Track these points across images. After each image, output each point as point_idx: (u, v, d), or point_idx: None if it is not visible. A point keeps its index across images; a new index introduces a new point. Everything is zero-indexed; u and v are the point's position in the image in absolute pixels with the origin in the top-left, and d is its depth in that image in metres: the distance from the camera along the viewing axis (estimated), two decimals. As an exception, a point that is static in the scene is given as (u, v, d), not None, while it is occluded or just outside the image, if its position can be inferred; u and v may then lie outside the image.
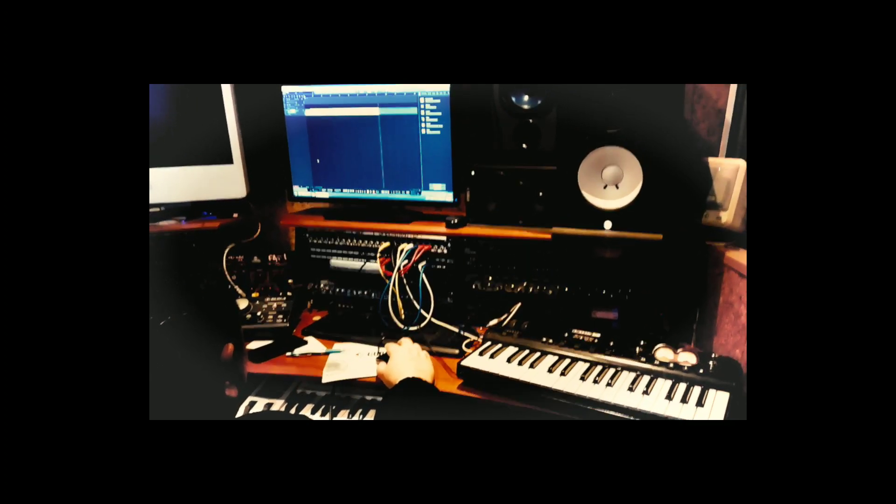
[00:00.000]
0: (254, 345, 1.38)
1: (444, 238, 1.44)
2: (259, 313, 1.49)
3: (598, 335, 1.26)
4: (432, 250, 1.44)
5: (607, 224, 1.28)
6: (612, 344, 1.21)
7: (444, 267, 1.45)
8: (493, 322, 1.38)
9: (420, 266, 1.43)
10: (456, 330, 1.41)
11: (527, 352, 1.22)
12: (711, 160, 1.29)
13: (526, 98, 1.36)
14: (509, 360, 1.19)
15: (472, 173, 1.42)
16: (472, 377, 1.16)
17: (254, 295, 1.57)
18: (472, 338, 1.36)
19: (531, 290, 1.40)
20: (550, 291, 1.38)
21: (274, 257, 1.66)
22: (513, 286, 1.41)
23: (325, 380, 1.24)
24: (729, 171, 1.26)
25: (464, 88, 1.43)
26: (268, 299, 1.55)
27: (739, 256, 1.16)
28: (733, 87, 1.37)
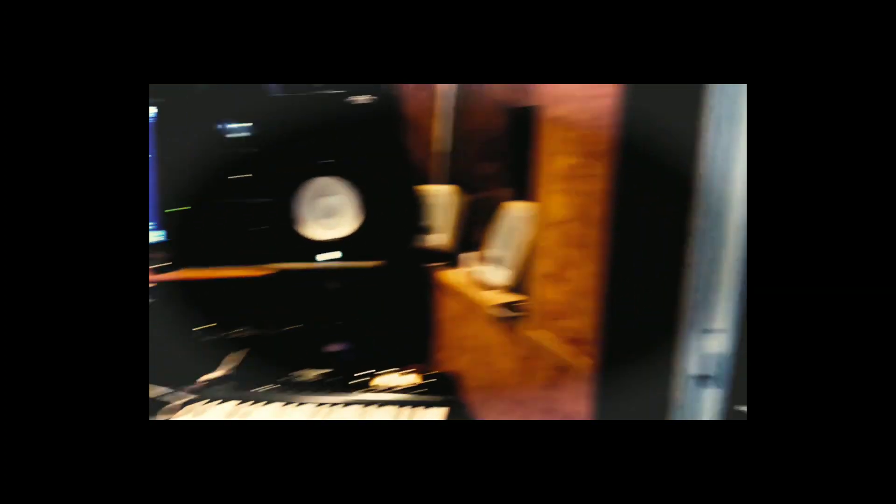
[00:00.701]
0: None
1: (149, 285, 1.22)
2: None
3: (327, 371, 1.21)
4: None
5: (329, 255, 1.25)
6: (340, 379, 1.17)
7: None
8: (210, 377, 1.21)
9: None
10: (164, 392, 1.19)
11: (249, 403, 1.10)
12: (426, 187, 1.38)
13: (237, 126, 1.26)
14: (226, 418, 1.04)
15: (181, 209, 1.25)
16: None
17: None
18: (184, 399, 1.17)
19: (255, 333, 1.28)
20: (277, 332, 1.28)
21: None
22: (234, 332, 1.27)
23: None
24: (442, 198, 1.36)
25: (169, 114, 1.25)
26: None
27: (452, 276, 1.24)
28: (442, 113, 1.50)
